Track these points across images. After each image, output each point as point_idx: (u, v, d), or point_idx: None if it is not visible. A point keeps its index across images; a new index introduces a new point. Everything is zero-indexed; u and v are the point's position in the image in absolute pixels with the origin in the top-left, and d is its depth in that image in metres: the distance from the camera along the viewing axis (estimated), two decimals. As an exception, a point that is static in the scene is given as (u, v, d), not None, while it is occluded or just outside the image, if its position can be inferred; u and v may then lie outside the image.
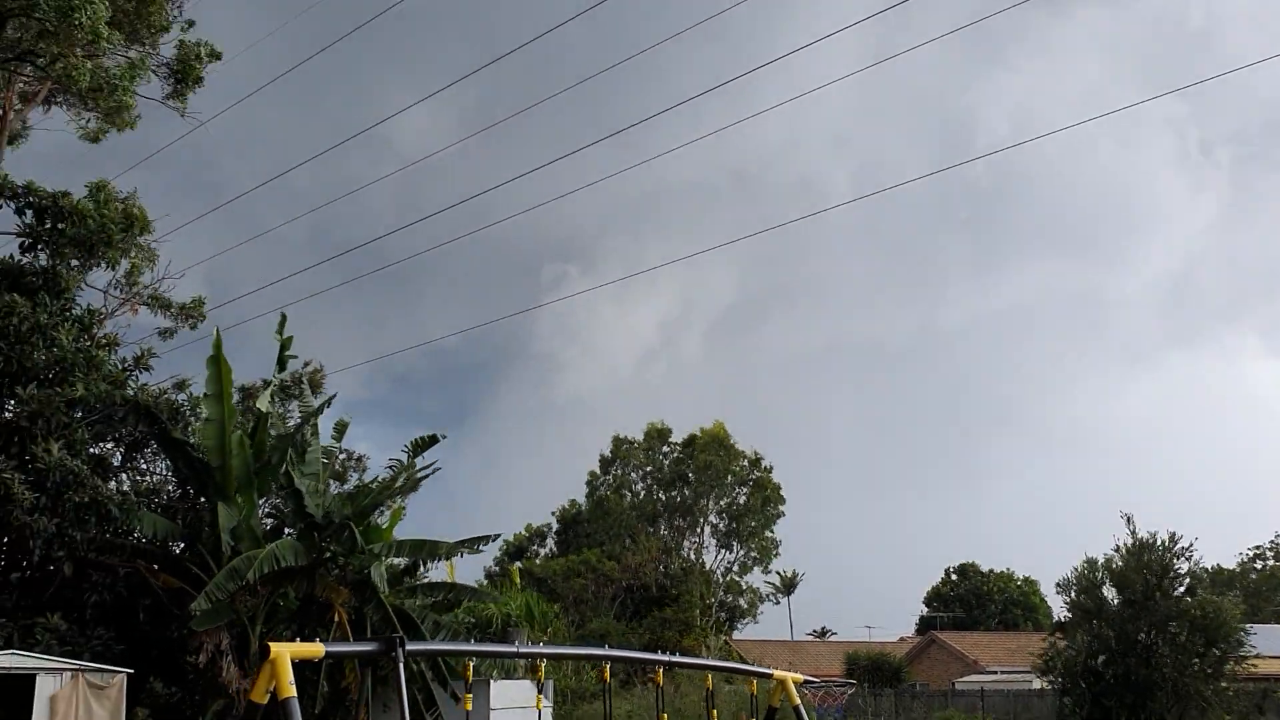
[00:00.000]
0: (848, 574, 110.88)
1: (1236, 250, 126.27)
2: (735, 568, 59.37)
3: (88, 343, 21.14)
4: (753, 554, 59.34)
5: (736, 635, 59.38)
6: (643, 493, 60.02)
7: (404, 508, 23.62)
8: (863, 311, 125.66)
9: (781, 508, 59.59)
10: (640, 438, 60.92)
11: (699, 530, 59.03)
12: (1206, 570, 37.87)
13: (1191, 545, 30.76)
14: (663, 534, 58.54)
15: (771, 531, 59.41)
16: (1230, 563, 59.90)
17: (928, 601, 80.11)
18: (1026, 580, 76.54)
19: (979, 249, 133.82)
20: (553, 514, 63.16)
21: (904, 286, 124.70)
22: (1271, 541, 60.61)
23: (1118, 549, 31.37)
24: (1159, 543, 31.10)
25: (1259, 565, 59.91)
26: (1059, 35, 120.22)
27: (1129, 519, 31.42)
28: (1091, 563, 32.07)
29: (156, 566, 20.57)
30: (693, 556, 58.31)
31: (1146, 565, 31.31)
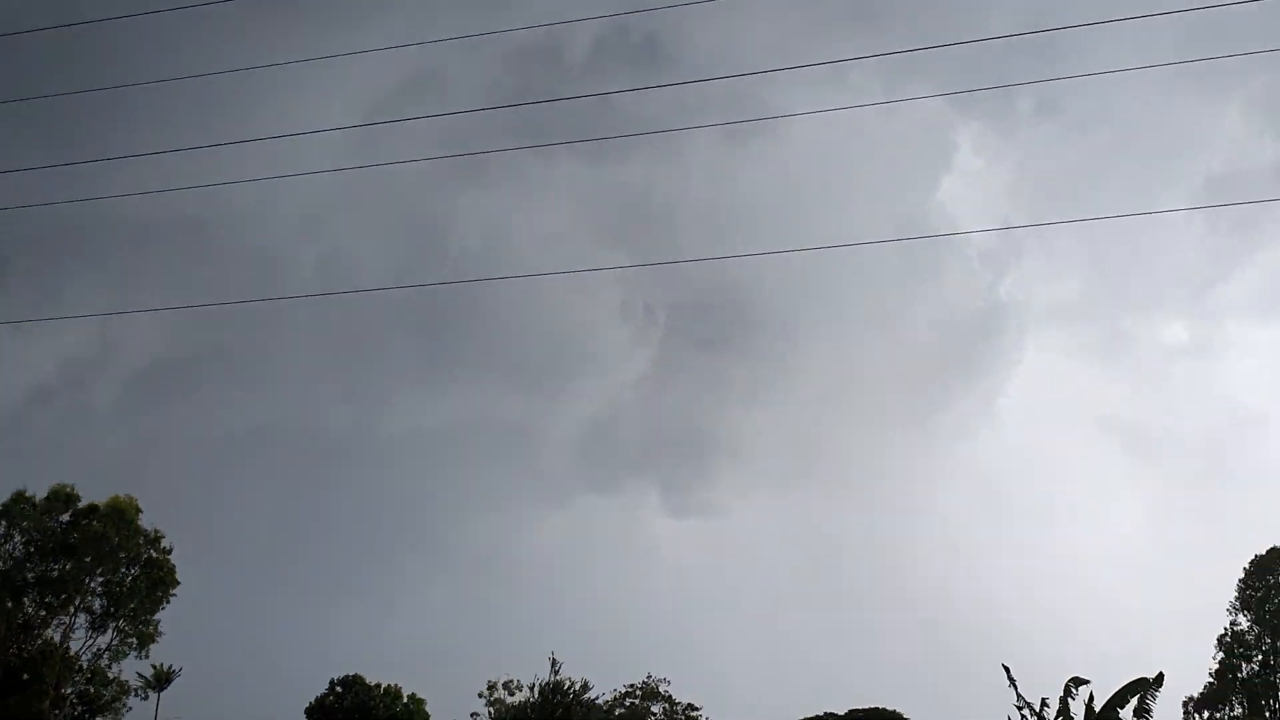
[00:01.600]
0: (232, 675, 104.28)
1: (655, 408, 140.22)
2: (106, 655, 53.37)
3: None
4: (130, 639, 53.79)
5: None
6: (10, 561, 52.32)
7: None
8: (304, 400, 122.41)
9: (173, 592, 54.96)
10: (41, 496, 53.42)
11: (72, 609, 52.48)
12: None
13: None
14: (26, 610, 51.22)
15: (155, 616, 54.39)
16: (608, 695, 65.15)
17: (310, 713, 77.53)
18: (413, 698, 76.94)
19: (429, 362, 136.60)
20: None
21: (350, 384, 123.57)
22: (644, 681, 66.83)
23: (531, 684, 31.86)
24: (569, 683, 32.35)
25: (627, 703, 65.89)
26: (541, 175, 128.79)
27: (553, 660, 32.29)
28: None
29: None
30: (58, 638, 51.57)
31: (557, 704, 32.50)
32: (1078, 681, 28.52)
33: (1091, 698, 28.65)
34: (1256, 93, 77.93)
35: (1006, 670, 29.05)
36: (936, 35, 56.34)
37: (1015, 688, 28.90)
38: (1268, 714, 48.34)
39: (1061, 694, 28.47)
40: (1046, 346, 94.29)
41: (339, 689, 78.68)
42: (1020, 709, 28.77)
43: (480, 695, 58.03)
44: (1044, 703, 28.89)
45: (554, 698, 52.45)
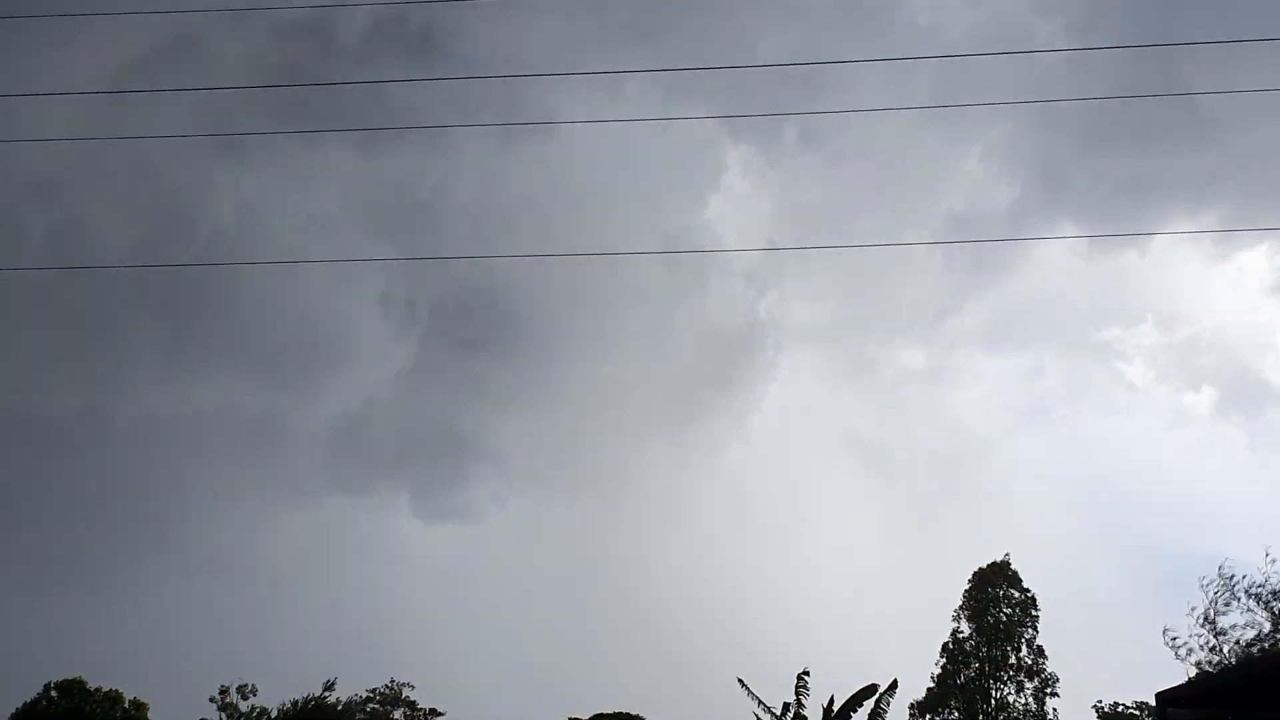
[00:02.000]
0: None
1: (411, 408, 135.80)
2: None
3: None
4: None
5: None
6: None
7: None
8: (26, 381, 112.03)
9: None
10: None
11: None
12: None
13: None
14: None
15: None
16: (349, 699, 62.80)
17: (20, 717, 71.13)
18: (135, 703, 71.94)
19: (172, 347, 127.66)
20: None
21: (81, 366, 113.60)
22: (386, 686, 64.83)
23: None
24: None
25: (369, 708, 63.80)
26: (305, 158, 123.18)
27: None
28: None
29: None
30: None
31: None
32: (804, 675, 29.41)
33: (832, 700, 29.58)
34: (995, 141, 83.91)
35: (741, 683, 29.58)
36: (713, 58, 57.49)
37: (753, 695, 29.47)
38: (981, 717, 51.68)
39: (795, 691, 29.27)
40: (800, 366, 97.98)
41: (54, 693, 72.71)
42: (760, 717, 29.36)
43: (211, 700, 55.19)
44: (785, 706, 29.60)
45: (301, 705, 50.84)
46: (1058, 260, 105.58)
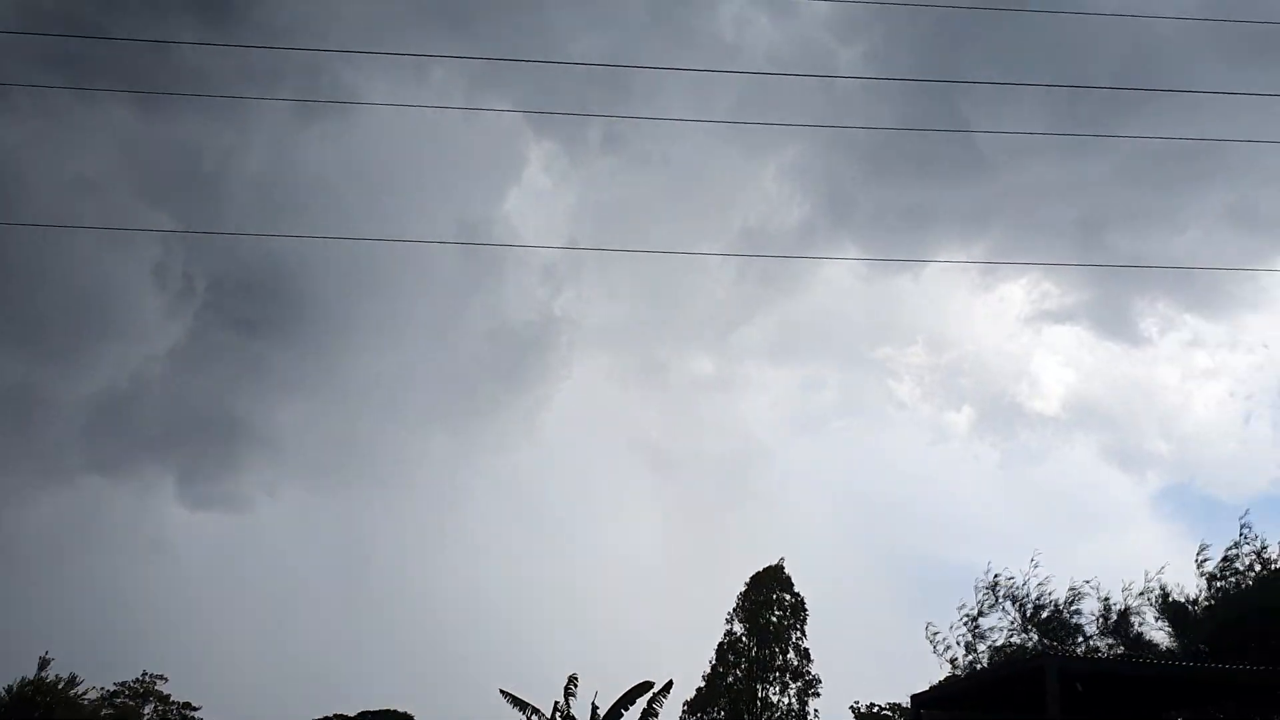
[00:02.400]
0: None
1: (182, 388, 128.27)
2: None
3: None
4: None
5: None
6: None
7: None
8: None
9: None
10: None
11: None
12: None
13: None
14: None
15: None
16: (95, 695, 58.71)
17: None
18: None
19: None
20: None
21: None
22: (137, 679, 60.87)
23: None
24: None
25: (116, 702, 59.84)
26: (79, 115, 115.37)
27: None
28: None
29: None
30: None
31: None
32: (573, 678, 29.45)
33: (597, 700, 29.64)
34: (789, 160, 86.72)
35: (503, 693, 29.34)
36: (522, 52, 56.81)
37: (518, 702, 29.26)
38: (747, 716, 53.04)
39: (564, 692, 29.23)
40: (592, 367, 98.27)
41: None
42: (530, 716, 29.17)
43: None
44: (556, 706, 29.46)
45: (35, 696, 47.01)
46: (840, 280, 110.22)
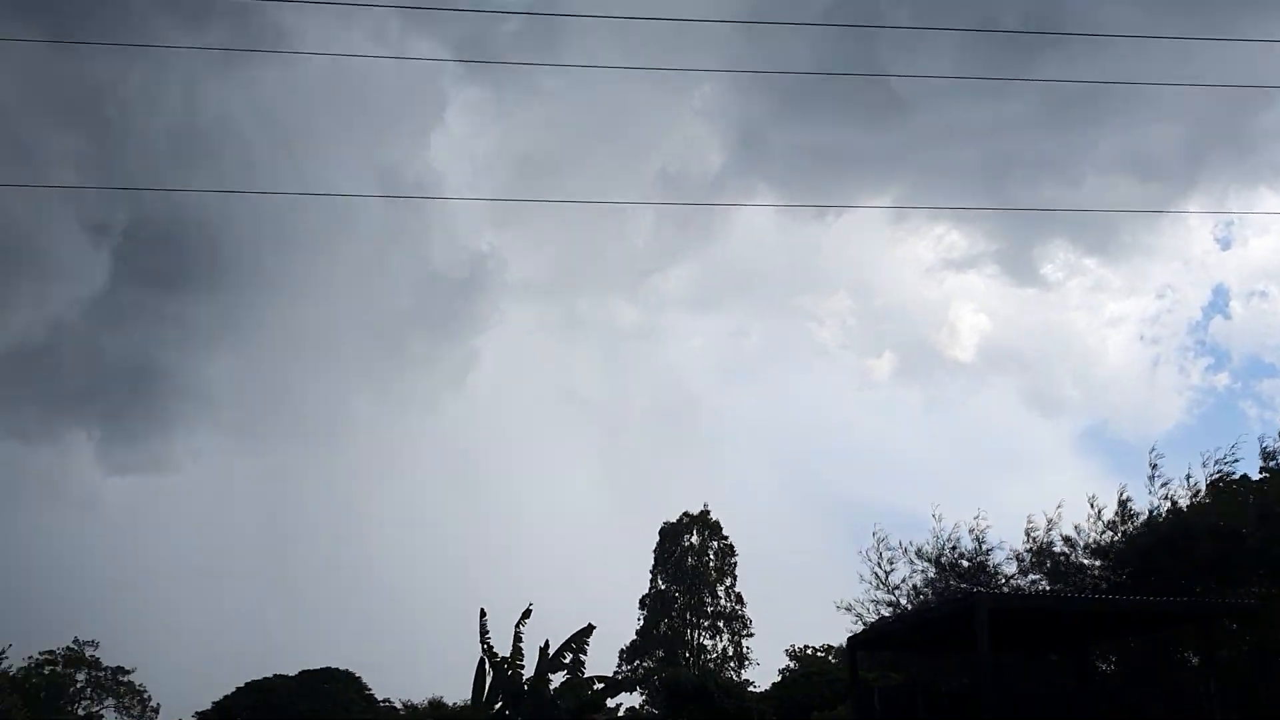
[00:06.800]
0: None
1: (100, 343, 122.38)
2: None
3: None
4: None
5: None
6: None
7: None
8: None
9: None
10: None
11: None
12: None
13: None
14: None
15: None
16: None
17: None
18: None
19: None
20: None
21: None
22: (68, 646, 59.98)
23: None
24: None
25: (46, 670, 58.74)
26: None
27: None
28: None
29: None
30: None
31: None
32: (527, 613, 30.33)
33: (547, 644, 30.55)
34: (704, 102, 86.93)
35: (483, 612, 30.14)
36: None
37: (484, 640, 30.00)
38: (683, 662, 54.40)
39: (514, 631, 30.04)
40: (519, 318, 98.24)
41: None
42: (491, 654, 30.01)
43: None
44: (515, 639, 30.21)
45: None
46: (757, 225, 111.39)
